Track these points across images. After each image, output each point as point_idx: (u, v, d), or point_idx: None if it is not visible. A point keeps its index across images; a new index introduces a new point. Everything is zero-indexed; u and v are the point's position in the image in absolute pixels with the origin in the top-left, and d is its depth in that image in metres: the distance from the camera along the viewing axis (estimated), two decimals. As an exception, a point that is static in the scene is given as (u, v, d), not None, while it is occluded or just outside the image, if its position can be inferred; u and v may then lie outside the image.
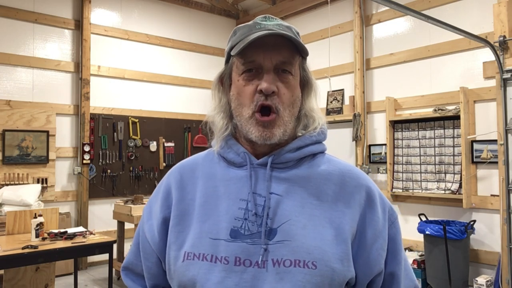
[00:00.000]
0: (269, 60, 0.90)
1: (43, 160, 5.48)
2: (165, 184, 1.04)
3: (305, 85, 0.98)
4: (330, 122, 5.72)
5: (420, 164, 5.10)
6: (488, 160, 4.52)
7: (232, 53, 0.92)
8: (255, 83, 0.91)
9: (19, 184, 5.21)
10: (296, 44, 0.91)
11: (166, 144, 6.58)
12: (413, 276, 1.00)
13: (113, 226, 5.44)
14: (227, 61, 0.99)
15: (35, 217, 3.59)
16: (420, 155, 5.10)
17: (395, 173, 5.33)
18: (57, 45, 5.73)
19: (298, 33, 0.97)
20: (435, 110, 4.86)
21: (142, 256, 1.02)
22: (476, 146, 4.63)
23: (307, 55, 0.95)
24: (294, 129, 0.97)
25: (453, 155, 4.81)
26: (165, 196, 1.01)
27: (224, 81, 1.00)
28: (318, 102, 1.03)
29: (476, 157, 4.62)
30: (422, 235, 4.55)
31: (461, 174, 4.66)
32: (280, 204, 0.91)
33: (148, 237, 1.00)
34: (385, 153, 5.40)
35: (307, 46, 0.95)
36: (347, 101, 5.94)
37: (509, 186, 4.08)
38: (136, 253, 1.05)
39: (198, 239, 0.91)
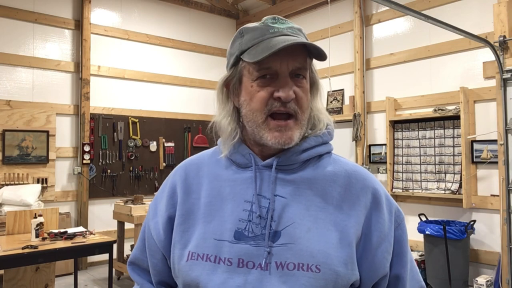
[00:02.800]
0: (285, 67, 0.89)
1: (43, 160, 5.48)
2: (170, 182, 1.05)
3: (313, 85, 0.98)
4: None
5: (420, 164, 5.10)
6: (488, 160, 4.52)
7: (249, 59, 0.89)
8: (270, 89, 0.89)
9: (19, 184, 5.21)
10: (318, 51, 0.90)
11: (166, 144, 6.58)
12: (419, 276, 1.00)
13: (113, 226, 5.44)
14: (234, 64, 0.94)
15: (35, 217, 3.59)
16: (420, 155, 5.11)
17: (395, 173, 5.33)
18: (57, 45, 5.73)
19: (305, 34, 0.96)
20: (435, 110, 4.86)
21: (148, 253, 1.03)
22: (476, 146, 4.63)
23: (325, 59, 0.93)
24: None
25: (453, 155, 4.81)
26: (170, 195, 1.02)
27: (231, 85, 0.96)
28: (322, 101, 1.02)
29: (476, 157, 4.62)
30: (422, 235, 4.55)
31: (461, 174, 4.66)
32: (285, 207, 0.90)
33: (154, 235, 1.01)
34: (385, 153, 5.40)
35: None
36: (347, 101, 5.94)
37: (509, 186, 4.08)
38: (142, 249, 1.06)
39: (202, 240, 0.91)
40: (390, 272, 0.93)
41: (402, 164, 5.28)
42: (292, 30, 0.92)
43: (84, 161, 5.75)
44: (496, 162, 4.37)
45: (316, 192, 0.92)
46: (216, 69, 7.07)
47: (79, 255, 3.96)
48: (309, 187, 0.92)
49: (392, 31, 5.51)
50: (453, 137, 4.81)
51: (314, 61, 0.98)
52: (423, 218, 4.78)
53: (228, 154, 0.98)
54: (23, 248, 3.23)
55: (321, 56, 0.91)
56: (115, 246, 4.00)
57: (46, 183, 5.46)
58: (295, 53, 0.89)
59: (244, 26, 0.95)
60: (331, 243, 0.87)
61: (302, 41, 0.87)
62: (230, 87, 0.97)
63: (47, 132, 5.51)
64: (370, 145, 5.69)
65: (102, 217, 5.92)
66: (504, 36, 4.11)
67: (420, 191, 5.06)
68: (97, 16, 6.01)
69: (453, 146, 4.81)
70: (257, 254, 0.87)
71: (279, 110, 0.89)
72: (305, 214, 0.89)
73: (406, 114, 5.31)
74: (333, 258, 0.86)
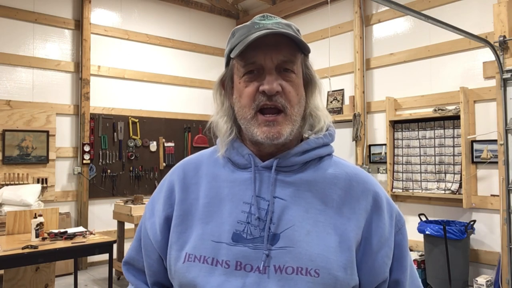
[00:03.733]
0: (270, 60, 0.87)
1: (43, 160, 5.48)
2: (168, 182, 1.03)
3: (309, 83, 0.95)
4: (330, 122, 5.72)
5: (420, 164, 5.10)
6: (488, 160, 4.52)
7: (232, 55, 0.90)
8: (255, 84, 0.88)
9: (19, 184, 5.21)
10: (297, 42, 0.88)
11: (166, 144, 6.58)
12: (418, 282, 0.98)
13: (113, 226, 5.44)
14: (227, 64, 0.96)
15: (35, 217, 3.59)
16: (420, 155, 5.10)
17: (395, 173, 5.33)
18: (57, 45, 5.73)
19: (298, 30, 0.94)
20: (435, 110, 4.86)
21: (144, 253, 1.02)
22: (476, 146, 4.63)
23: (309, 52, 0.92)
24: (300, 129, 0.94)
25: (453, 155, 4.81)
26: (168, 195, 1.00)
27: (225, 84, 0.97)
28: (322, 100, 1.00)
29: (476, 157, 4.62)
30: (422, 235, 4.55)
31: (461, 174, 4.66)
32: (284, 209, 0.88)
33: (150, 235, 1.00)
34: (385, 153, 5.40)
35: (307, 46, 0.93)
36: (347, 101, 5.94)
37: (509, 186, 4.08)
38: (138, 249, 1.04)
39: (200, 241, 0.90)
40: (389, 277, 0.91)
41: (402, 164, 5.28)
42: (279, 25, 0.90)
43: (84, 161, 5.75)
44: (496, 162, 4.37)
45: (316, 194, 0.90)
46: (216, 69, 7.06)
47: (79, 255, 3.96)
48: (309, 190, 0.90)
49: (392, 31, 5.51)
50: (453, 137, 4.81)
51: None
52: (423, 218, 4.78)
53: (224, 153, 0.96)
54: (23, 248, 3.23)
55: (305, 48, 0.90)
56: (115, 246, 4.00)
57: (46, 183, 5.46)
58: (280, 46, 0.88)
59: (236, 26, 0.96)
60: (331, 247, 0.86)
61: (278, 31, 0.86)
62: (225, 86, 0.97)
63: (47, 132, 5.51)
64: (370, 145, 5.69)
65: (102, 217, 5.92)
66: (504, 36, 4.11)
67: (420, 191, 5.06)
68: (97, 16, 6.01)
69: (453, 146, 4.81)
70: (255, 257, 0.85)
71: (266, 104, 0.87)
72: (305, 217, 0.87)
73: (406, 114, 5.31)
74: (333, 263, 0.84)
